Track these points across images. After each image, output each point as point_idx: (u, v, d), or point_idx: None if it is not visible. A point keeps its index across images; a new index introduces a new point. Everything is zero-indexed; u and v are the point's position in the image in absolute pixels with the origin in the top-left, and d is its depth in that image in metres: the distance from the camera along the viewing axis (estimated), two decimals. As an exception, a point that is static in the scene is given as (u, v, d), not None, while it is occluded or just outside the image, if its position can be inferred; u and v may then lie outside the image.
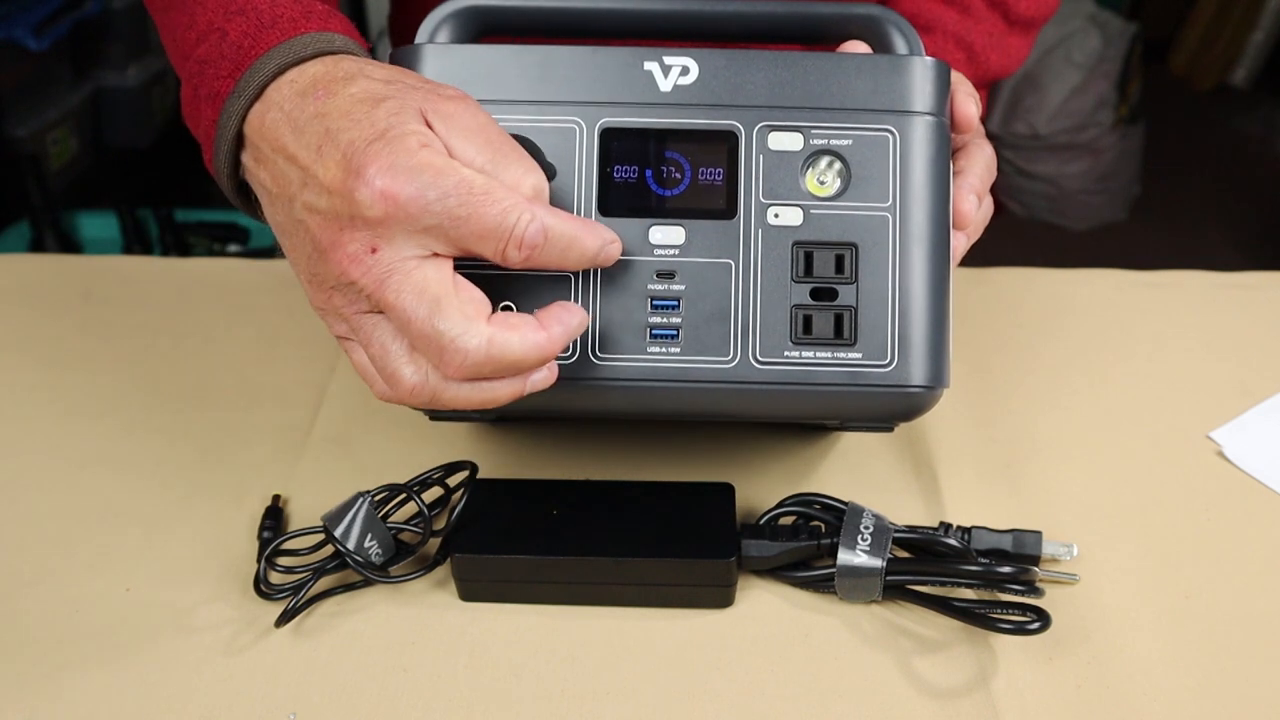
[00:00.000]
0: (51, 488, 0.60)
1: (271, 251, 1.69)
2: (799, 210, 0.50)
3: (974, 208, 0.53)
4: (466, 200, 0.43)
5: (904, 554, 0.55)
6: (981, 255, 0.63)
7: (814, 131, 0.50)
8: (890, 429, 0.52)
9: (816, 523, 0.55)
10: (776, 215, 0.50)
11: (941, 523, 0.56)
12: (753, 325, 0.49)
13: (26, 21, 1.67)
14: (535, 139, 0.50)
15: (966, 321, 0.71)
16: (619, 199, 0.50)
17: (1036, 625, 0.49)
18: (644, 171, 0.50)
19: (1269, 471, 0.61)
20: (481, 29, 0.54)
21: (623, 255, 0.49)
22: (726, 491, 0.56)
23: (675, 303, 0.49)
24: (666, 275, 0.49)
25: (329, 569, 0.53)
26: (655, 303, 0.49)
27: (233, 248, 1.73)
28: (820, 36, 0.55)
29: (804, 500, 0.56)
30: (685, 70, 0.50)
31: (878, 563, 0.52)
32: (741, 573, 0.54)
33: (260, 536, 0.57)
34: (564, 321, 0.46)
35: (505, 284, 0.48)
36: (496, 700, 0.50)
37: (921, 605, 0.52)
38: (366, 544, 0.53)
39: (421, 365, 0.46)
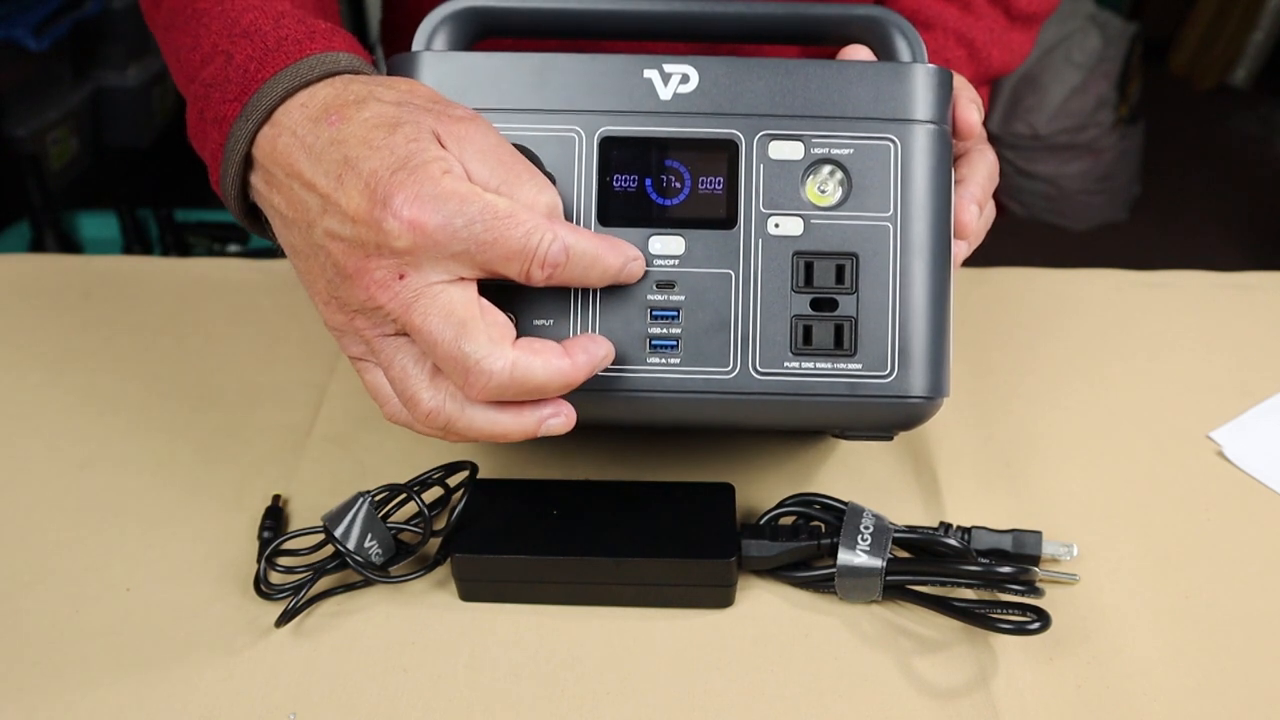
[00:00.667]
0: (52, 487, 0.61)
1: (272, 252, 1.69)
2: (799, 220, 0.49)
3: (975, 217, 0.52)
4: (492, 225, 0.44)
5: (904, 554, 0.55)
6: (981, 256, 0.63)
7: (815, 140, 0.50)
8: (890, 438, 0.52)
9: (816, 523, 0.55)
10: (777, 225, 0.49)
11: (941, 523, 0.56)
12: (753, 336, 0.49)
13: (26, 21, 1.67)
14: (534, 148, 0.49)
15: (966, 322, 0.71)
16: (618, 209, 0.49)
17: (1036, 625, 0.49)
18: (644, 181, 0.50)
19: (1269, 471, 0.61)
20: (479, 32, 0.54)
21: None
22: (726, 491, 0.56)
23: (675, 313, 0.49)
24: (666, 285, 0.49)
25: (329, 569, 0.53)
26: (655, 313, 0.49)
27: (233, 248, 1.73)
28: (820, 38, 0.55)
29: (804, 500, 0.56)
30: (685, 78, 0.50)
31: (878, 563, 0.52)
32: (741, 573, 0.54)
33: (260, 536, 0.57)
34: (589, 351, 0.47)
35: (507, 297, 0.48)
36: (496, 700, 0.50)
37: (921, 605, 0.52)
38: (366, 544, 0.53)
39: (440, 391, 0.46)
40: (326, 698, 0.50)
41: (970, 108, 0.52)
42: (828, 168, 0.50)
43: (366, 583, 0.54)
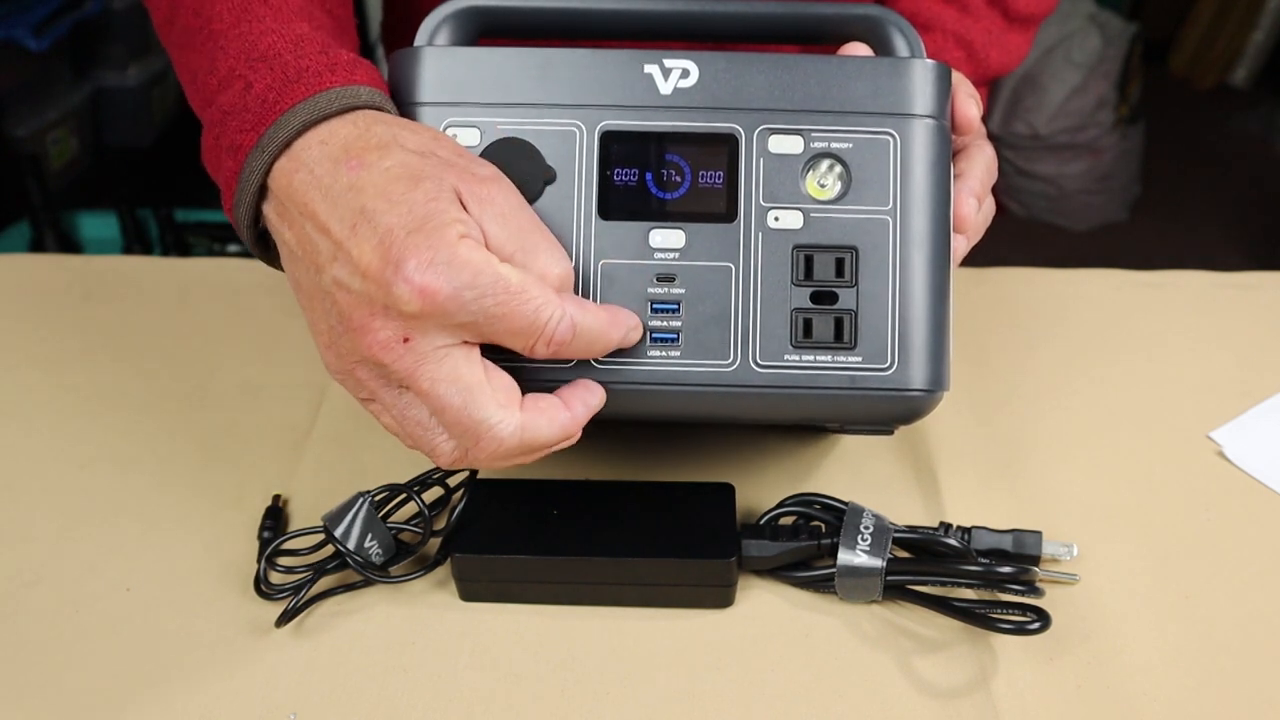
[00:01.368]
0: (51, 487, 0.61)
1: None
2: (799, 213, 0.50)
3: (974, 211, 0.52)
4: (503, 300, 0.44)
5: (904, 554, 0.55)
6: (981, 255, 0.63)
7: (814, 134, 0.50)
8: (890, 432, 0.52)
9: (816, 523, 0.55)
10: (777, 218, 0.50)
11: (941, 523, 0.56)
12: (753, 329, 0.49)
13: (26, 21, 1.67)
14: (535, 142, 0.50)
15: (966, 321, 0.71)
16: (619, 202, 0.50)
17: (1036, 625, 0.49)
18: (644, 175, 0.50)
19: (1269, 471, 0.61)
20: (480, 30, 0.54)
21: (622, 259, 0.49)
22: (726, 491, 0.56)
23: (675, 306, 0.49)
24: (666, 279, 0.49)
25: (329, 569, 0.53)
26: (655, 306, 0.49)
27: (233, 248, 1.73)
28: (820, 37, 0.55)
29: (804, 500, 0.56)
30: (685, 73, 0.50)
31: (878, 563, 0.52)
32: (741, 573, 0.54)
33: (260, 536, 0.57)
34: (586, 402, 0.48)
35: None
36: (496, 700, 0.50)
37: (921, 605, 0.52)
38: (366, 544, 0.53)
39: (457, 440, 0.47)
40: (326, 698, 0.50)
41: (969, 102, 0.53)
42: (827, 162, 0.50)
43: (366, 583, 0.54)
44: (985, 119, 0.58)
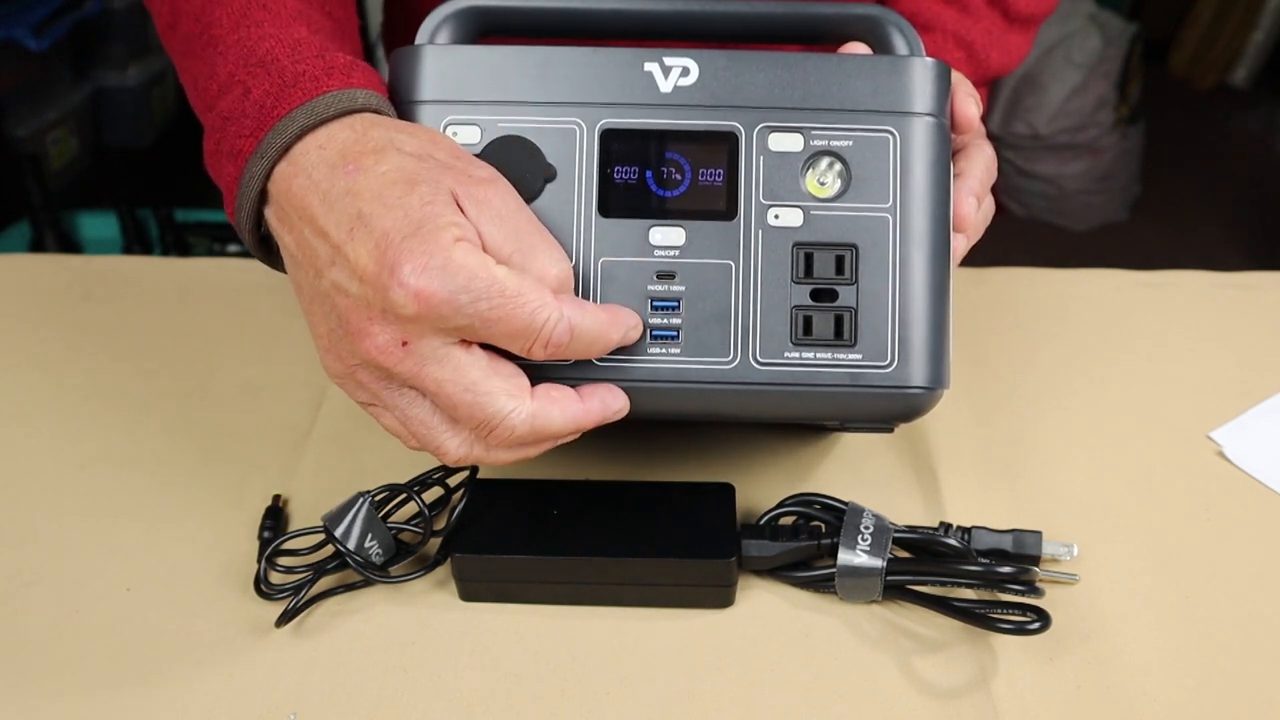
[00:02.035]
0: (52, 487, 0.61)
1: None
2: (799, 211, 0.50)
3: (973, 210, 0.53)
4: (499, 304, 0.43)
5: (904, 554, 0.55)
6: (981, 255, 0.63)
7: (814, 132, 0.50)
8: (890, 430, 0.52)
9: (816, 523, 0.55)
10: (777, 216, 0.50)
11: (941, 523, 0.56)
12: (753, 326, 0.49)
13: (26, 21, 1.67)
14: (536, 140, 0.50)
15: (966, 321, 0.71)
16: (619, 200, 0.50)
17: (1036, 625, 0.49)
18: (644, 172, 0.50)
19: (1269, 471, 0.61)
20: (481, 30, 0.54)
21: (622, 256, 0.49)
22: (726, 491, 0.56)
23: (675, 304, 0.49)
24: (667, 276, 0.49)
25: (329, 569, 0.53)
26: (655, 304, 0.49)
27: (233, 248, 1.73)
28: (820, 37, 0.55)
29: (804, 500, 0.56)
30: (685, 71, 0.50)
31: (878, 563, 0.52)
32: (741, 573, 0.54)
33: (260, 536, 0.57)
34: (605, 401, 0.48)
35: None
36: (496, 700, 0.50)
37: (921, 605, 0.52)
38: (367, 544, 0.53)
39: (466, 436, 0.47)
40: (326, 698, 0.50)
41: (968, 101, 0.53)
42: (827, 160, 0.50)
43: (366, 583, 0.54)
44: (985, 119, 0.58)
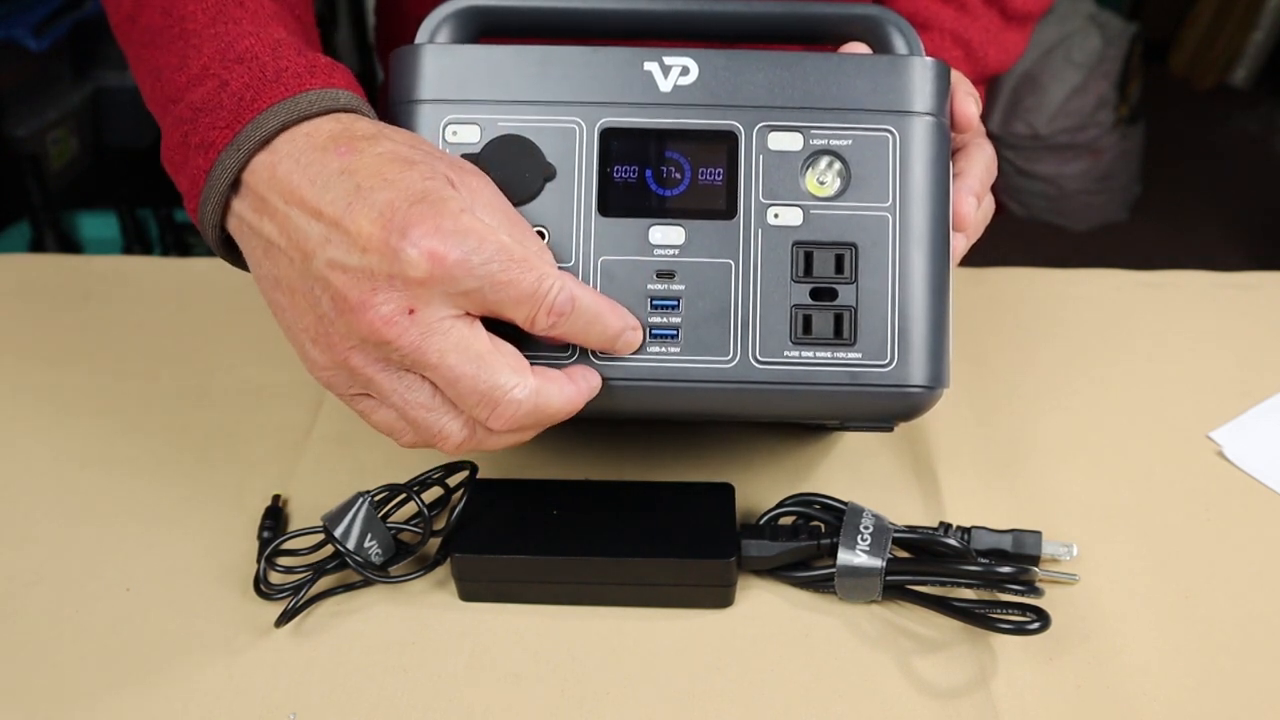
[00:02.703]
0: (51, 487, 0.60)
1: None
2: (799, 210, 0.50)
3: (973, 209, 0.53)
4: (507, 266, 0.44)
5: (904, 554, 0.55)
6: (981, 255, 0.63)
7: (814, 132, 0.50)
8: (890, 429, 0.53)
9: (816, 523, 0.55)
10: (776, 215, 0.50)
11: (941, 523, 0.56)
12: (752, 325, 0.49)
13: (26, 21, 1.67)
14: (535, 139, 0.50)
15: (966, 321, 0.71)
16: (619, 199, 0.50)
17: (1036, 625, 0.49)
18: (644, 171, 0.50)
19: (1269, 471, 0.61)
20: (480, 30, 0.54)
21: (622, 255, 0.49)
22: (726, 491, 0.56)
23: (675, 302, 0.49)
24: (666, 275, 0.49)
25: (329, 569, 0.53)
26: (655, 302, 0.49)
27: (233, 248, 1.73)
28: (820, 37, 0.55)
29: (804, 500, 0.56)
30: (685, 70, 0.50)
31: (877, 563, 0.52)
32: (741, 573, 0.54)
33: (260, 536, 0.57)
34: (588, 380, 0.48)
35: None
36: (496, 700, 0.50)
37: (921, 605, 0.52)
38: (366, 544, 0.53)
39: (467, 419, 0.46)
40: (326, 698, 0.50)
41: (968, 100, 0.53)
42: (826, 159, 0.50)
43: (366, 583, 0.54)
44: (985, 118, 0.58)
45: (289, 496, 0.60)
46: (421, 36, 0.53)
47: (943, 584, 0.52)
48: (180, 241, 1.75)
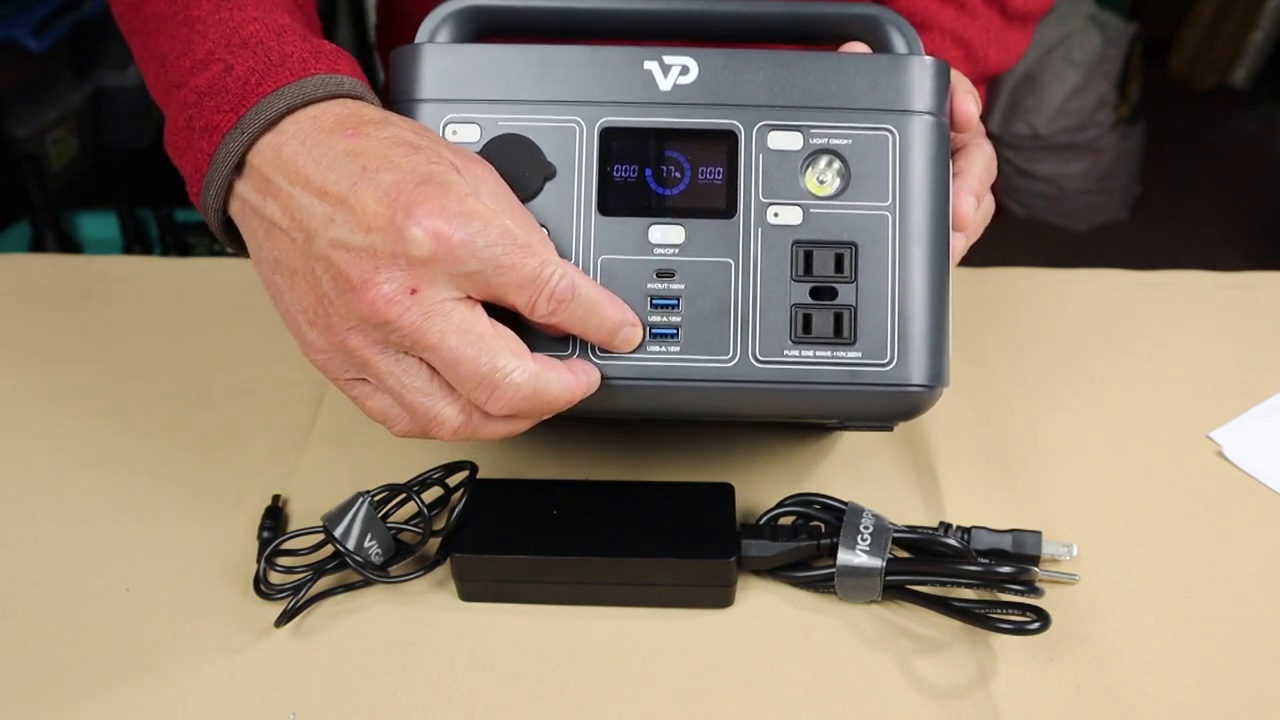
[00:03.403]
0: (52, 487, 0.60)
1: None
2: (798, 209, 0.50)
3: (972, 209, 0.53)
4: (511, 250, 0.44)
5: (904, 554, 0.55)
6: (981, 255, 0.63)
7: (813, 131, 0.50)
8: (890, 428, 0.53)
9: (816, 523, 0.55)
10: (776, 214, 0.50)
11: (941, 523, 0.56)
12: (752, 324, 0.49)
13: (26, 21, 1.67)
14: (535, 138, 0.50)
15: (966, 321, 0.71)
16: (619, 198, 0.50)
17: (1036, 625, 0.49)
18: (644, 171, 0.50)
19: (1269, 471, 0.61)
20: (481, 29, 0.54)
21: (622, 254, 0.49)
22: (726, 491, 0.56)
23: (675, 301, 0.49)
24: (666, 274, 0.49)
25: (329, 569, 0.53)
26: (655, 301, 0.49)
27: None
28: (819, 36, 0.55)
29: (804, 500, 0.56)
30: (685, 70, 0.50)
31: (877, 563, 0.52)
32: (741, 573, 0.54)
33: (260, 536, 0.57)
34: (588, 372, 0.48)
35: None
36: (496, 700, 0.50)
37: (921, 605, 0.52)
38: (366, 544, 0.53)
39: (463, 405, 0.46)
40: (326, 698, 0.50)
41: (967, 100, 0.53)
42: (826, 158, 0.50)
43: (366, 583, 0.54)
44: (985, 118, 0.58)
45: (289, 496, 0.60)
46: (422, 36, 0.53)
47: (943, 584, 0.52)
48: (180, 241, 1.75)
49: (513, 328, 0.47)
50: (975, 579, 0.52)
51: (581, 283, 0.46)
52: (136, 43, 0.54)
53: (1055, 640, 0.52)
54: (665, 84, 0.50)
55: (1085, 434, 0.64)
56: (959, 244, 0.53)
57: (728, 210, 0.50)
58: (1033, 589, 0.51)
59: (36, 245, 1.69)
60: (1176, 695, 0.50)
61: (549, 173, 0.49)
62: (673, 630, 0.53)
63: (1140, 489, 0.60)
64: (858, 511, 0.54)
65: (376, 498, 0.53)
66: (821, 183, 0.50)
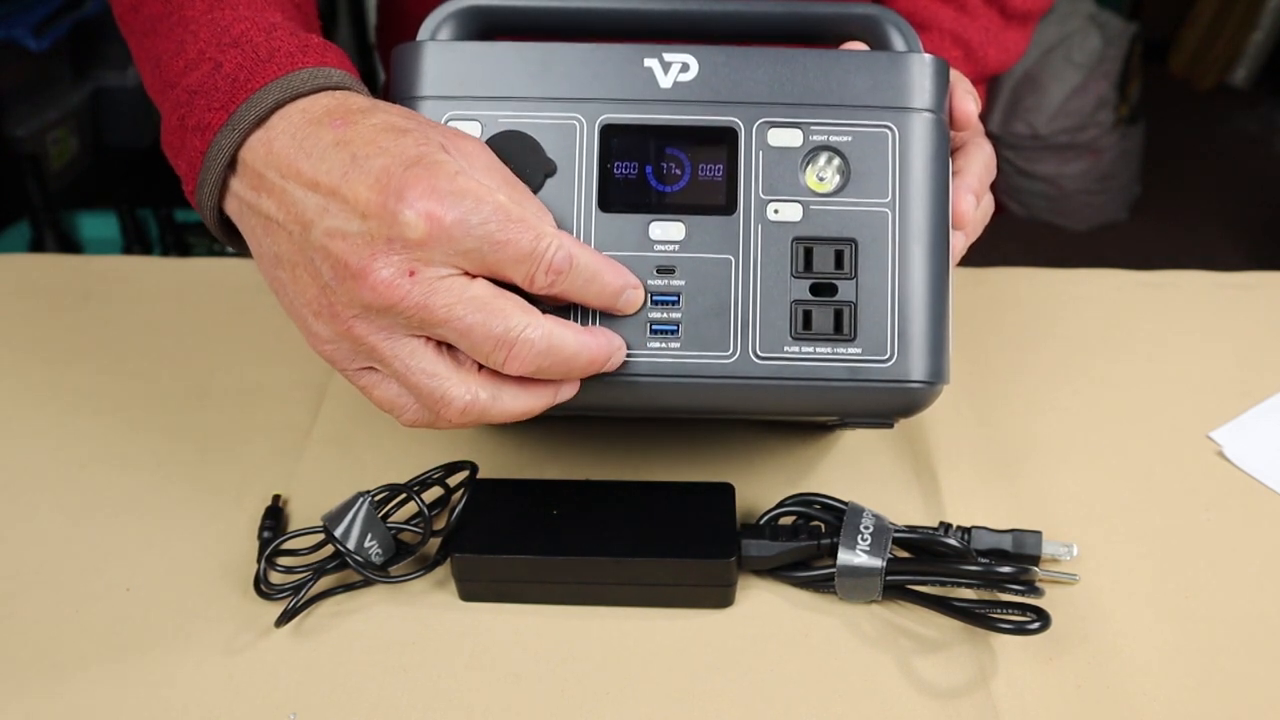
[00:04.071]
0: (52, 487, 0.60)
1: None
2: (798, 206, 0.50)
3: (972, 207, 0.53)
4: (505, 225, 0.44)
5: (904, 554, 0.55)
6: (981, 255, 0.63)
7: (813, 128, 0.50)
8: (890, 425, 0.53)
9: (816, 523, 0.55)
10: (776, 211, 0.50)
11: (941, 523, 0.56)
12: (752, 321, 0.49)
13: (26, 21, 1.67)
14: (536, 135, 0.50)
15: (966, 321, 0.71)
16: (619, 195, 0.50)
17: (1036, 625, 0.49)
18: (644, 168, 0.50)
19: (1269, 471, 0.61)
20: (482, 28, 0.54)
21: (622, 251, 0.49)
22: (726, 491, 0.56)
23: (675, 298, 0.49)
24: (666, 271, 0.49)
25: (329, 569, 0.53)
26: (655, 298, 0.49)
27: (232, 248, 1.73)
28: (819, 36, 0.55)
29: (804, 500, 0.56)
30: (685, 67, 0.50)
31: (878, 563, 0.52)
32: (741, 573, 0.54)
33: (260, 536, 0.56)
34: (608, 336, 0.48)
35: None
36: (496, 701, 0.50)
37: (921, 605, 0.52)
38: (366, 544, 0.53)
39: (469, 382, 0.46)
40: (326, 698, 0.50)
41: (966, 98, 0.53)
42: (826, 155, 0.50)
43: (366, 583, 0.54)
44: (984, 118, 0.58)
45: (289, 496, 0.59)
46: (423, 36, 0.53)
47: (943, 584, 0.52)
48: (180, 241, 1.75)
49: None
50: (975, 579, 0.52)
51: (578, 252, 0.46)
52: (134, 44, 0.55)
53: (1055, 640, 0.52)
54: (665, 81, 0.50)
55: (1085, 434, 0.64)
56: (959, 242, 0.53)
57: (728, 207, 0.50)
58: (1033, 589, 0.51)
59: (36, 245, 1.69)
60: (1176, 695, 0.50)
61: (550, 169, 0.50)
62: (673, 630, 0.53)
63: (1140, 489, 0.60)
64: (858, 511, 0.54)
65: (377, 498, 0.53)
66: (821, 179, 0.50)
